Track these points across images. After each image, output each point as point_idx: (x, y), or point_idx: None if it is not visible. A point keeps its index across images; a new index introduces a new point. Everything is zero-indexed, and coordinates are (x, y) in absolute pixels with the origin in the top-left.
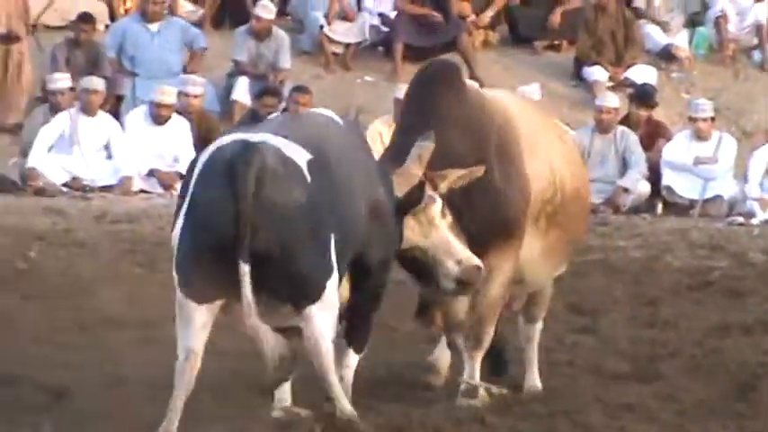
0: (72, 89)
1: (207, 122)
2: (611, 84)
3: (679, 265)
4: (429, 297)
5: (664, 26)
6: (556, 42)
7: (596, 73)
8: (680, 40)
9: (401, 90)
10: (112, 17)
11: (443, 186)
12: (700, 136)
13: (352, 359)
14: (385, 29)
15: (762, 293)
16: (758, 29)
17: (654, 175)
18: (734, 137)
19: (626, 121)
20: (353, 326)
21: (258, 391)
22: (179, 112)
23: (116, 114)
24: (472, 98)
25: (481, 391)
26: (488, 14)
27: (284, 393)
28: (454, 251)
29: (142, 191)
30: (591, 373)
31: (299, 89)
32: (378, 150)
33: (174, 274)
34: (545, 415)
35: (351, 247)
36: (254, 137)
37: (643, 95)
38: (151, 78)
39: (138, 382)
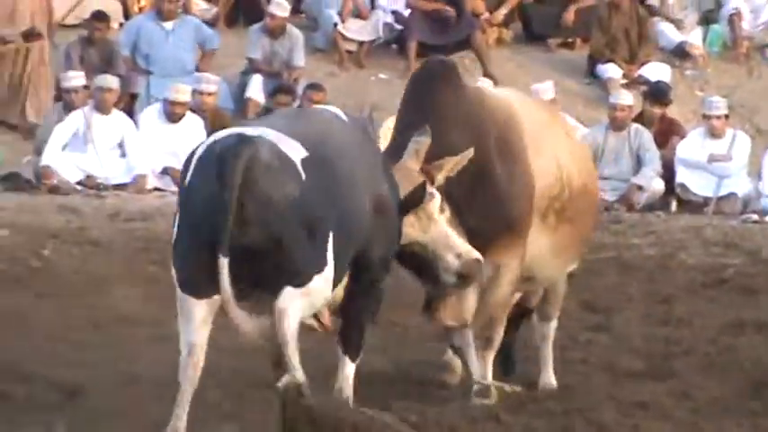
0: (86, 87)
1: (221, 120)
2: (624, 81)
3: (693, 262)
4: (433, 293)
5: (678, 24)
6: (570, 40)
7: (610, 70)
8: (694, 37)
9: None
10: (126, 15)
11: (440, 177)
12: (714, 133)
13: (349, 368)
14: (399, 27)
15: None
16: None
17: (668, 173)
18: (748, 134)
19: (640, 118)
20: (348, 331)
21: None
22: (193, 110)
23: (130, 112)
24: (471, 95)
25: (494, 391)
26: (502, 12)
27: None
28: (453, 245)
29: (156, 189)
30: (605, 371)
31: (313, 87)
32: None
33: (172, 270)
34: (559, 412)
35: (354, 244)
36: (250, 131)
37: (657, 93)
38: (165, 76)
39: (151, 380)
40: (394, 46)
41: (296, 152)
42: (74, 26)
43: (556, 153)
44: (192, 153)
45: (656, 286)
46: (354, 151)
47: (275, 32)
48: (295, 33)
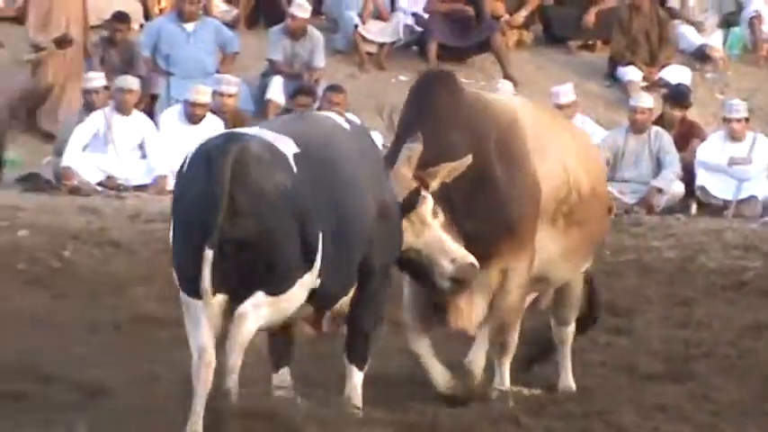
0: (107, 88)
1: (241, 122)
2: (645, 84)
3: (713, 265)
4: (438, 298)
5: (698, 26)
6: (590, 42)
7: (630, 73)
8: (714, 40)
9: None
10: (147, 16)
11: (435, 184)
12: (734, 136)
13: (357, 377)
14: (419, 28)
15: None
16: None
17: (688, 176)
18: None
19: (660, 121)
20: (353, 340)
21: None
22: (213, 112)
23: (150, 113)
24: (471, 102)
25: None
26: (522, 14)
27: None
28: (448, 250)
29: None
30: (624, 374)
31: (334, 88)
32: None
33: (173, 272)
34: (579, 415)
35: (358, 250)
36: (242, 130)
37: (677, 96)
38: (186, 78)
39: (172, 380)
40: (414, 48)
41: (288, 148)
42: (94, 27)
43: (562, 156)
44: (185, 156)
45: (675, 289)
46: (355, 156)
47: (296, 34)
48: (316, 35)
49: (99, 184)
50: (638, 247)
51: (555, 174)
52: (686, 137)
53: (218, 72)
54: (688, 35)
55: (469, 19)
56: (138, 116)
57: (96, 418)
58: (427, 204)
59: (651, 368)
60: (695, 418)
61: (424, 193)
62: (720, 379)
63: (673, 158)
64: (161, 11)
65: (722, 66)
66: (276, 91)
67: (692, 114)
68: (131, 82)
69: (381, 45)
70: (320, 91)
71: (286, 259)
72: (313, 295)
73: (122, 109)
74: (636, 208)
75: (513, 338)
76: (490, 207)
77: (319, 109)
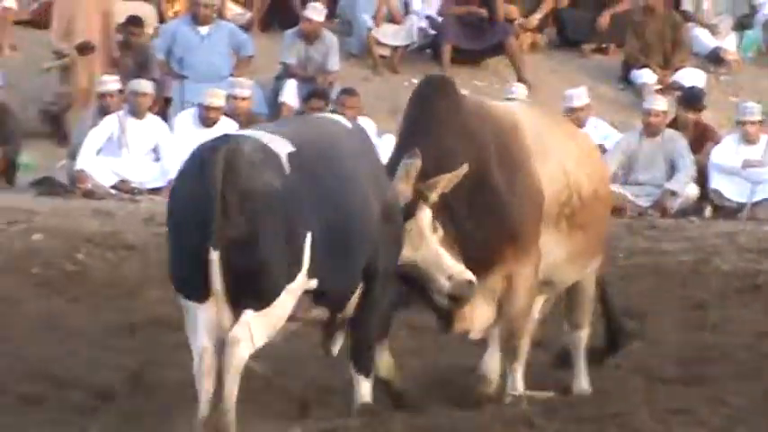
0: (121, 91)
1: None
2: (659, 87)
3: (727, 268)
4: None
5: (712, 29)
6: (604, 45)
7: (644, 76)
8: (728, 43)
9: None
10: (161, 20)
11: (434, 196)
12: (748, 139)
13: (364, 387)
14: (433, 31)
15: None
16: None
17: (702, 179)
18: None
19: (674, 124)
20: (358, 347)
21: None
22: (227, 115)
23: (164, 117)
24: (471, 108)
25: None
26: (536, 17)
27: None
28: (445, 266)
29: None
30: (639, 377)
31: (347, 92)
32: None
33: (171, 277)
34: (594, 418)
35: (360, 252)
36: (237, 132)
37: (691, 98)
38: (200, 81)
39: (185, 383)
40: (428, 51)
41: (283, 148)
42: None
43: (562, 160)
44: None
45: (690, 292)
46: (357, 156)
47: (311, 37)
48: (330, 38)
49: (113, 187)
50: (652, 251)
51: (556, 177)
52: (700, 140)
53: (231, 75)
54: (702, 38)
55: (483, 22)
56: (152, 119)
57: (110, 421)
58: (426, 215)
59: (666, 371)
60: (710, 421)
61: (422, 206)
62: (735, 382)
63: (687, 161)
64: (175, 14)
65: (736, 68)
66: (290, 94)
67: (706, 117)
68: (145, 85)
69: (395, 48)
70: (334, 94)
71: (272, 262)
72: (318, 296)
73: (136, 112)
74: (650, 211)
75: (525, 343)
76: (492, 213)
77: (333, 112)
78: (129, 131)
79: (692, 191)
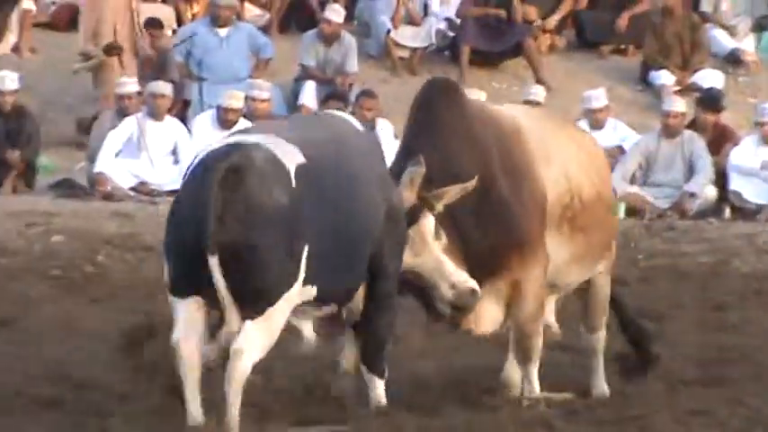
0: (139, 93)
1: None
2: (677, 88)
3: (747, 269)
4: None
5: (731, 30)
6: (622, 46)
7: (663, 77)
8: (747, 44)
9: (469, 94)
10: (180, 22)
11: (439, 206)
12: (767, 140)
13: (379, 387)
14: (451, 33)
15: None
16: None
17: (721, 180)
18: None
19: (692, 125)
20: (369, 348)
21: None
22: (246, 117)
23: (183, 119)
24: (474, 111)
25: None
26: (555, 18)
27: None
28: (448, 274)
29: None
30: (658, 379)
31: (366, 93)
32: None
33: (165, 274)
34: (613, 420)
35: (363, 251)
36: (244, 138)
37: (710, 100)
38: (218, 83)
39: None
40: (446, 53)
41: (292, 159)
42: None
43: (564, 163)
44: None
45: (709, 293)
46: (365, 157)
47: (330, 39)
48: (349, 40)
49: (132, 189)
50: (671, 252)
51: (558, 181)
52: (719, 141)
53: (250, 77)
54: (720, 39)
55: (502, 23)
56: (170, 121)
57: (129, 423)
58: (429, 221)
59: (685, 373)
60: (730, 423)
61: (426, 213)
62: (755, 384)
63: (705, 162)
64: (193, 16)
65: (755, 69)
66: (309, 96)
67: (725, 118)
68: (164, 87)
69: (414, 50)
70: (353, 96)
71: (267, 272)
72: (320, 299)
73: (155, 114)
74: (669, 212)
75: (537, 346)
76: (498, 218)
77: (352, 114)
78: (148, 133)
79: (711, 192)
